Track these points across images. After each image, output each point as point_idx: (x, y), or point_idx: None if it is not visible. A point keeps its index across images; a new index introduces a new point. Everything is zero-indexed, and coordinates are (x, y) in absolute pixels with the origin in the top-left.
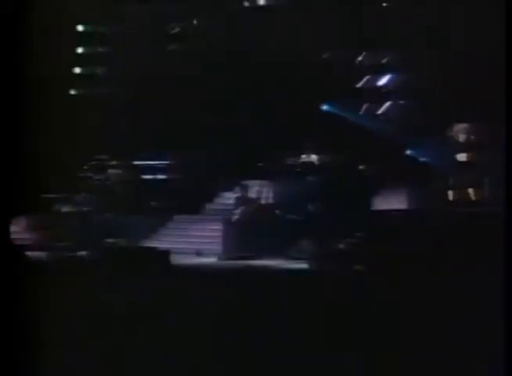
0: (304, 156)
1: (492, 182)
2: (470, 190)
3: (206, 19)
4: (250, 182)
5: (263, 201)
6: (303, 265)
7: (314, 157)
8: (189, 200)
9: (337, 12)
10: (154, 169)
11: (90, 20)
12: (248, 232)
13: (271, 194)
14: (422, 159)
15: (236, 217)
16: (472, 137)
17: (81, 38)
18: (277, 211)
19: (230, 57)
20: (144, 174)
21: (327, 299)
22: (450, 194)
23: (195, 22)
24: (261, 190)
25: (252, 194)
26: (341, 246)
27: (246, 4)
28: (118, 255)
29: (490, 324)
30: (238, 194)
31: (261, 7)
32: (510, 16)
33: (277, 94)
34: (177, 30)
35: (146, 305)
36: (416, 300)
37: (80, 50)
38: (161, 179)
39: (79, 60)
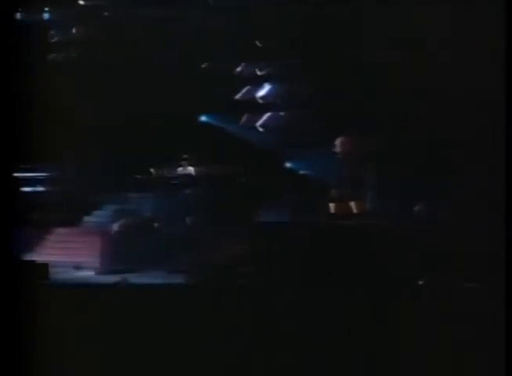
0: (181, 168)
1: (374, 194)
2: (352, 203)
3: None
4: (128, 195)
5: (142, 214)
6: (181, 279)
7: (192, 169)
8: (68, 212)
9: (213, 22)
10: (32, 181)
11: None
12: (127, 245)
13: (149, 207)
14: (303, 172)
15: (114, 230)
16: (355, 149)
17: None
18: (156, 224)
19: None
20: (22, 186)
21: (205, 313)
22: (332, 207)
23: None
24: (139, 202)
25: (131, 206)
26: (221, 259)
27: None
28: None
29: None
30: (117, 207)
31: (141, 17)
32: None
33: (155, 105)
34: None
35: (23, 317)
36: (298, 313)
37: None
38: (39, 191)
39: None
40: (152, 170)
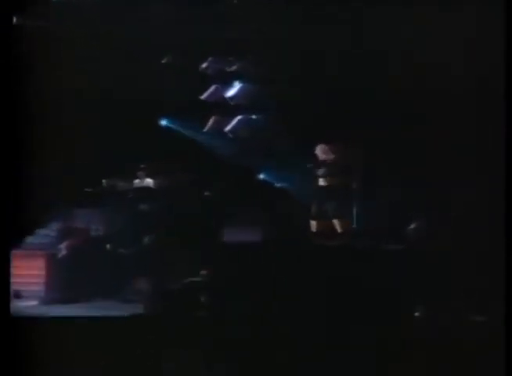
0: (138, 180)
1: (361, 210)
2: (336, 221)
3: None
4: (76, 211)
5: (92, 233)
6: (136, 308)
7: (149, 181)
8: (6, 232)
9: (174, 12)
10: None
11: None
12: (74, 269)
13: (100, 224)
14: (279, 185)
15: (60, 252)
16: (340, 158)
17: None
18: (108, 245)
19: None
20: None
21: (162, 349)
22: (312, 225)
23: None
24: (89, 220)
25: (80, 224)
26: (182, 286)
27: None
28: None
29: None
30: (64, 225)
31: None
32: None
33: (106, 106)
34: None
35: None
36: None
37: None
38: None
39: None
40: (103, 181)
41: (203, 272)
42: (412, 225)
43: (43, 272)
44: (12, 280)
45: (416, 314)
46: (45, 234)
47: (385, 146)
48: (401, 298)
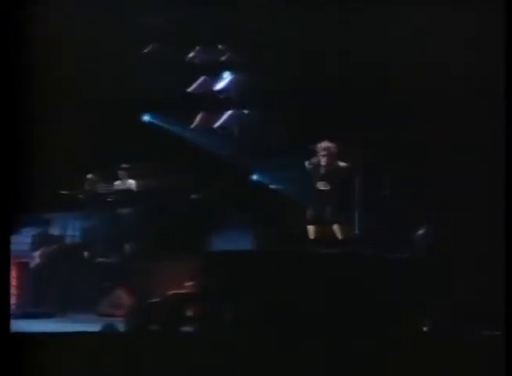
0: (118, 182)
1: (362, 214)
2: (336, 227)
3: None
4: (52, 215)
5: (68, 240)
6: (116, 325)
7: (132, 183)
8: None
9: None
10: None
11: None
12: (48, 280)
13: (78, 230)
14: (273, 186)
15: (33, 260)
16: (340, 158)
17: None
18: (86, 253)
19: None
20: None
21: (146, 365)
22: (310, 231)
23: None
24: (65, 225)
25: (54, 231)
26: (166, 299)
27: None
28: None
29: None
30: (37, 231)
31: None
32: None
33: (84, 100)
34: None
35: None
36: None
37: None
38: None
39: None
40: (80, 183)
41: (189, 283)
42: (420, 231)
43: (13, 283)
44: None
45: (424, 329)
46: (16, 241)
47: (387, 146)
48: (406, 312)
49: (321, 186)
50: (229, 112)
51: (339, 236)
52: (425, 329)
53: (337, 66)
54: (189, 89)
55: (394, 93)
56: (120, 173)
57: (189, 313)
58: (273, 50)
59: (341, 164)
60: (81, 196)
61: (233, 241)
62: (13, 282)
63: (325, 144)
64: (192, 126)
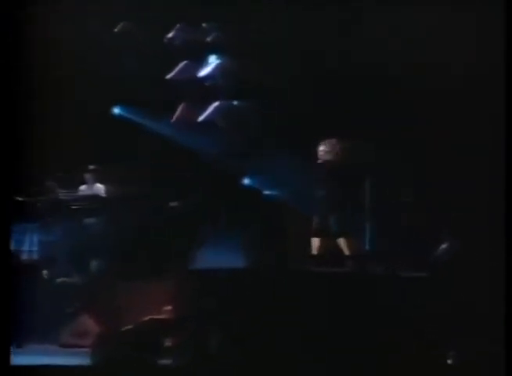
0: (84, 187)
1: (373, 225)
2: (342, 241)
3: None
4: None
5: (24, 256)
6: (81, 356)
7: (100, 187)
8: None
9: None
10: None
11: None
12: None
13: (35, 244)
14: (267, 192)
15: None
16: (345, 158)
17: None
18: (44, 272)
19: None
20: None
21: None
22: (312, 245)
23: None
24: (21, 238)
25: (12, 244)
26: (140, 327)
27: None
28: None
29: None
30: None
31: None
32: None
33: (42, 90)
34: None
35: None
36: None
37: None
38: None
39: None
40: (40, 187)
41: (167, 307)
42: (441, 246)
43: None
44: None
45: (448, 361)
46: None
47: (388, 147)
48: (426, 343)
49: (324, 192)
50: (216, 103)
51: (345, 251)
52: (449, 362)
53: (337, 63)
54: (168, 76)
55: (394, 93)
56: (86, 176)
57: (168, 343)
58: (267, 31)
59: (350, 162)
60: (39, 204)
61: (220, 257)
62: None
63: (329, 142)
64: (172, 120)
